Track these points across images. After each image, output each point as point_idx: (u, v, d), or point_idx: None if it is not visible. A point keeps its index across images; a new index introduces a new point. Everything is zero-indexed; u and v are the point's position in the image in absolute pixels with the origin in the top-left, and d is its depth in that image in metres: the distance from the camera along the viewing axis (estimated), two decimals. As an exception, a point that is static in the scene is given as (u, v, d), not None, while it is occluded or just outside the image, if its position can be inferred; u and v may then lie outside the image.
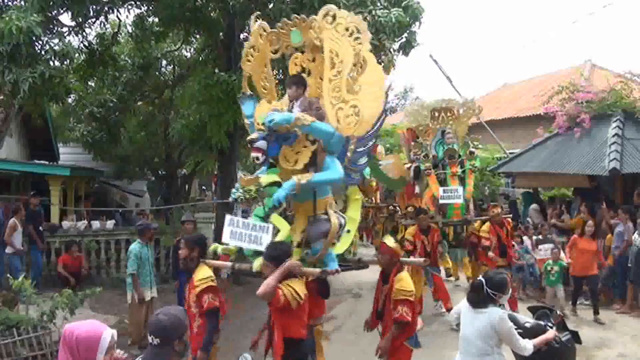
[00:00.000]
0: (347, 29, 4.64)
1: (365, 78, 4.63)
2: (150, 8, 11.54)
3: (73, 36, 10.66)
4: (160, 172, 18.84)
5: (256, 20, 5.56)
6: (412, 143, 11.35)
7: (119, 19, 11.73)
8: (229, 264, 5.32)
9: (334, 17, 4.72)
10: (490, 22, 67.58)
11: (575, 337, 5.04)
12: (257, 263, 4.69)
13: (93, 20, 10.72)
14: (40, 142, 16.74)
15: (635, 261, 9.07)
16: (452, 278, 12.02)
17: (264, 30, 5.48)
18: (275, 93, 5.73)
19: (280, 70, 8.89)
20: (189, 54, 15.32)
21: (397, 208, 12.37)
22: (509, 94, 23.52)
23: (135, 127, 16.71)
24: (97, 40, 11.81)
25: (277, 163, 5.04)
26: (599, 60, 23.54)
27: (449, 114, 10.94)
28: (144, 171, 19.00)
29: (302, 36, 5.32)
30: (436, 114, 10.99)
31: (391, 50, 10.58)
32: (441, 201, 9.84)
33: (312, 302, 5.35)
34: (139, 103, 15.60)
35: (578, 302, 9.50)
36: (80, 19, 10.12)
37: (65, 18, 10.07)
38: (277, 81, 6.21)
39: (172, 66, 15.61)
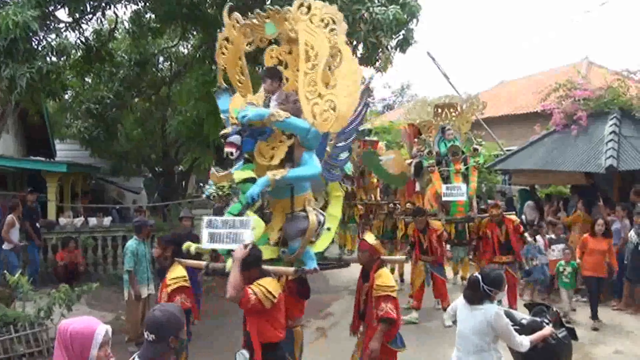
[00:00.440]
0: (322, 20, 4.46)
1: (341, 71, 4.46)
2: (148, 4, 11.50)
3: (70, 32, 10.60)
4: (157, 169, 18.83)
5: (229, 12, 5.34)
6: (415, 140, 11.36)
7: (116, 15, 11.71)
8: (204, 263, 5.10)
9: (308, 7, 4.52)
10: (488, 19, 67.61)
11: (572, 333, 5.06)
12: (229, 263, 4.50)
13: (90, 16, 10.67)
14: (37, 138, 16.72)
15: (631, 258, 9.09)
16: (449, 277, 11.99)
17: (237, 22, 5.27)
18: (250, 86, 5.51)
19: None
20: (186, 51, 15.29)
21: (398, 205, 12.37)
22: (506, 92, 23.54)
23: (132, 124, 16.67)
24: (94, 36, 11.77)
25: (253, 159, 4.89)
26: (596, 58, 23.65)
27: (452, 110, 10.95)
28: (141, 168, 18.99)
29: (277, 28, 5.12)
30: (439, 110, 11.00)
31: (388, 47, 10.58)
32: (444, 198, 9.82)
33: (292, 303, 5.30)
34: (136, 100, 15.56)
35: (574, 299, 9.46)
36: (77, 15, 10.09)
37: (62, 14, 10.05)
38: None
39: (169, 63, 15.57)
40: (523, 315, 4.99)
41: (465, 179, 10.09)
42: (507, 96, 22.64)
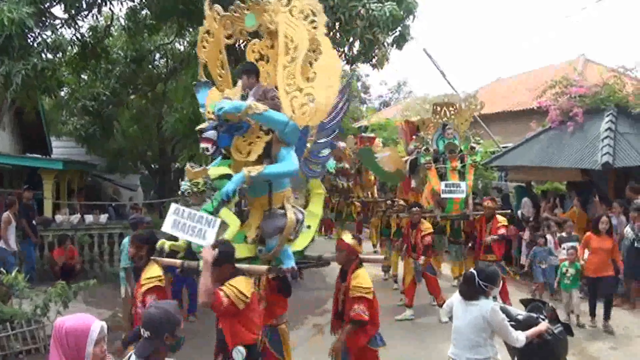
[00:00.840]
0: (302, 12, 4.36)
1: (320, 64, 4.36)
2: (143, 1, 11.47)
3: (65, 29, 10.60)
4: (153, 166, 18.80)
5: (210, 5, 5.23)
6: (413, 137, 11.35)
7: (111, 11, 11.69)
8: (179, 261, 4.93)
9: None
10: (484, 16, 67.59)
11: (567, 329, 5.08)
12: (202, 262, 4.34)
13: (86, 12, 10.66)
14: (33, 135, 16.69)
15: (627, 255, 9.11)
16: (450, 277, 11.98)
17: (218, 14, 5.13)
18: (230, 81, 5.37)
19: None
20: (182, 47, 15.23)
21: (395, 202, 12.37)
22: (503, 89, 23.53)
23: (128, 121, 16.66)
24: (90, 33, 11.75)
25: (230, 154, 4.78)
26: (593, 54, 23.69)
27: (451, 109, 10.98)
28: (137, 165, 18.97)
29: (257, 20, 4.96)
30: (438, 109, 11.03)
31: (385, 44, 10.60)
32: (443, 195, 9.83)
33: (275, 301, 5.24)
34: (132, 97, 15.52)
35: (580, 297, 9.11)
36: (73, 11, 10.08)
37: (58, 10, 10.04)
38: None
39: (165, 59, 15.53)
40: (519, 311, 5.01)
41: (462, 176, 10.11)
42: (503, 93, 22.63)
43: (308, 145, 4.91)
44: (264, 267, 4.47)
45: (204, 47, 5.26)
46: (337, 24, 9.60)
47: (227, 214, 4.60)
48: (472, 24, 69.70)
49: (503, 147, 15.54)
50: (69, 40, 10.84)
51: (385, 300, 9.89)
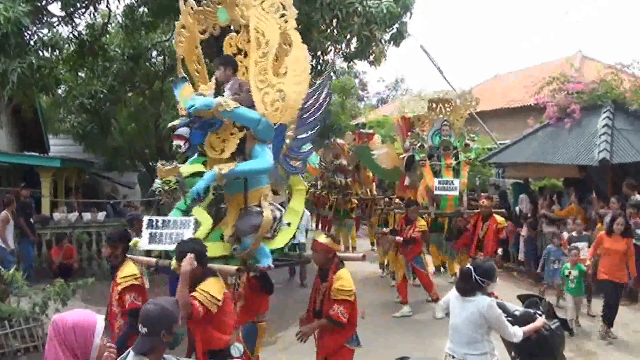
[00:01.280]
0: (272, 5, 4.28)
1: (291, 58, 4.28)
2: (140, -2, 11.46)
3: (62, 26, 10.58)
4: (151, 164, 18.74)
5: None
6: (409, 133, 11.36)
7: (108, 8, 11.64)
8: (154, 260, 4.84)
9: None
10: (482, 13, 67.61)
11: (564, 324, 5.10)
12: (175, 261, 4.25)
13: (83, 10, 10.64)
14: (30, 133, 16.67)
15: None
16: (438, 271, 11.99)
17: (192, 9, 5.00)
18: (207, 76, 5.23)
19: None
20: (179, 45, 15.22)
21: (392, 200, 12.37)
22: (500, 85, 23.56)
23: (126, 119, 16.62)
24: (87, 31, 11.73)
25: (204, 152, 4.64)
26: (590, 51, 23.69)
27: (446, 106, 11.00)
28: (135, 163, 18.93)
29: (229, 14, 4.82)
30: (434, 105, 11.05)
31: (382, 41, 10.59)
32: (436, 192, 9.85)
33: (256, 299, 5.20)
34: (130, 94, 15.50)
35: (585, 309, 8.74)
36: (70, 9, 10.06)
37: (55, 8, 10.02)
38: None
39: (162, 57, 15.50)
40: (516, 306, 5.01)
41: (457, 173, 10.13)
42: (500, 90, 22.66)
43: (287, 141, 4.81)
44: (234, 268, 4.34)
45: (181, 43, 5.16)
46: (334, 20, 9.59)
47: (200, 213, 4.52)
48: (470, 21, 69.68)
49: (500, 144, 15.56)
50: (66, 38, 10.82)
51: (383, 297, 9.95)
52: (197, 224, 4.48)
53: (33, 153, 15.80)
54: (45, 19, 9.69)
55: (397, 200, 11.20)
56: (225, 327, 4.14)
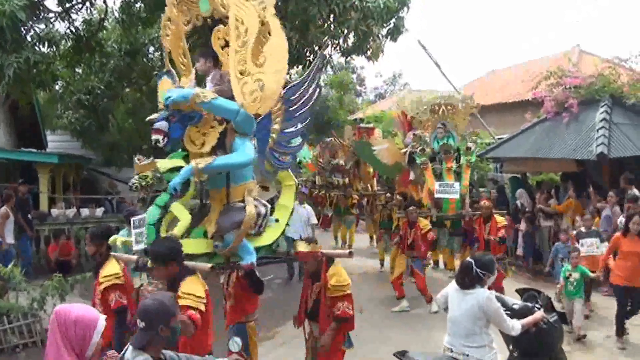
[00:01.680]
0: None
1: (269, 47, 4.17)
2: (137, -7, 11.41)
3: (59, 22, 10.53)
4: (149, 160, 18.72)
5: None
6: (412, 135, 11.26)
7: (105, 4, 11.62)
8: (134, 257, 4.69)
9: None
10: (479, 7, 67.53)
11: (563, 318, 5.10)
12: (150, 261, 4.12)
13: (79, 5, 10.61)
14: (28, 129, 16.59)
15: (621, 245, 9.09)
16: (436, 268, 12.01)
17: (176, 0, 4.90)
18: (192, 69, 5.06)
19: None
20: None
21: (395, 196, 12.32)
22: (498, 80, 23.55)
23: (123, 115, 16.57)
24: (84, 26, 11.66)
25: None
26: (587, 45, 23.68)
27: (449, 108, 10.95)
28: (133, 159, 18.90)
29: (210, 5, 4.66)
30: (436, 108, 11.00)
31: (379, 36, 10.57)
32: (437, 195, 9.81)
33: (245, 298, 5.13)
34: (127, 90, 15.45)
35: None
36: (67, 4, 10.02)
37: (51, 3, 9.98)
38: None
39: (159, 52, 15.43)
40: (515, 300, 5.03)
41: (458, 176, 10.09)
42: (498, 84, 22.66)
43: (274, 135, 4.61)
44: (208, 265, 4.18)
45: (167, 36, 5.07)
46: (331, 15, 9.57)
47: (178, 209, 4.35)
48: (467, 15, 69.63)
49: (498, 139, 15.56)
50: (62, 33, 10.78)
51: (382, 293, 9.96)
52: (175, 221, 4.34)
53: (31, 149, 15.74)
54: (42, 14, 9.65)
55: (398, 197, 11.18)
56: (207, 331, 4.02)
